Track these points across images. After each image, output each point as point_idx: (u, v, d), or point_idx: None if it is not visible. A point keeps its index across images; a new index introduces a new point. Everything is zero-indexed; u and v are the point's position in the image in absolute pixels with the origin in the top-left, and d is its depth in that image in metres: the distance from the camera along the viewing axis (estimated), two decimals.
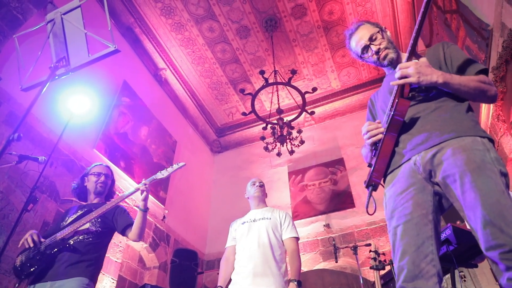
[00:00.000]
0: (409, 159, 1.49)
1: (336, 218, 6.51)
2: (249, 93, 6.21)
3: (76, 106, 3.60)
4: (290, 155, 6.33)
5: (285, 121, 6.20)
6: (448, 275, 3.24)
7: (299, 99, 6.89)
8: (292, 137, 6.15)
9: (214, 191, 8.08)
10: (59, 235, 2.24)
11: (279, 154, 6.32)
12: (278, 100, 6.61)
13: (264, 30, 6.55)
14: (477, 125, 1.46)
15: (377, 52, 1.76)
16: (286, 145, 6.19)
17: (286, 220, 2.90)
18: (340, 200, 6.70)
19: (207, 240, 7.24)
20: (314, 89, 5.94)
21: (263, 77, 5.83)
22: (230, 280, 2.74)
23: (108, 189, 2.66)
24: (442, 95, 1.54)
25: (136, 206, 2.41)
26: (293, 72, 5.71)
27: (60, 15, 1.84)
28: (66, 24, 1.84)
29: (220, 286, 2.71)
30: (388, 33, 1.85)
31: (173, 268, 5.24)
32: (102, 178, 2.62)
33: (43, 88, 1.68)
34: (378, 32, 1.80)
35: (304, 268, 6.20)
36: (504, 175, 1.31)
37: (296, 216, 6.85)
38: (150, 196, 5.69)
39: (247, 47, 6.90)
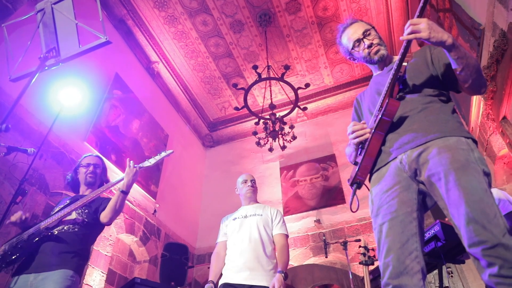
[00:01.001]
0: (395, 157, 1.53)
1: (326, 214, 6.55)
2: (242, 88, 6.19)
3: (67, 98, 3.56)
4: (282, 150, 6.34)
5: (277, 116, 6.20)
6: (436, 271, 3.29)
7: (292, 94, 6.89)
8: (284, 133, 6.16)
9: (206, 186, 8.08)
10: (43, 224, 2.20)
11: (271, 150, 6.32)
12: (271, 96, 6.61)
13: (258, 25, 6.52)
14: (462, 126, 1.50)
15: (369, 46, 1.78)
16: (278, 141, 6.20)
17: (277, 217, 2.95)
18: (331, 196, 6.74)
19: (198, 235, 7.24)
20: (307, 85, 5.94)
21: (256, 72, 5.82)
22: (221, 275, 2.76)
23: (99, 179, 2.61)
24: (428, 96, 1.57)
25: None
26: (286, 67, 5.70)
27: (51, 5, 1.83)
28: (56, 14, 1.81)
29: (211, 281, 2.73)
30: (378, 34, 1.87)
31: (163, 262, 5.24)
32: (91, 168, 2.58)
33: (32, 78, 1.66)
34: (372, 29, 1.83)
35: (294, 263, 6.24)
36: (487, 174, 1.36)
37: (287, 211, 6.88)
38: (141, 189, 5.71)
39: (241, 41, 6.87)
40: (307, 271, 5.95)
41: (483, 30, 3.74)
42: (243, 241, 2.75)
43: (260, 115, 6.46)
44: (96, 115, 5.24)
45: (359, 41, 1.81)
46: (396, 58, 1.80)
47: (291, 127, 6.19)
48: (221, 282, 2.65)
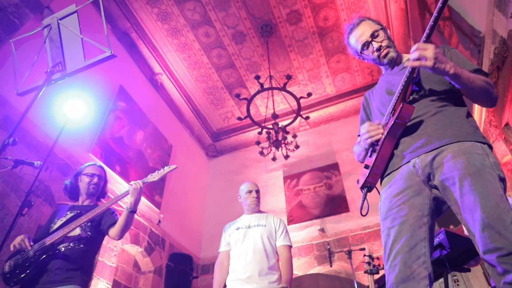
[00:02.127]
0: (408, 161, 1.50)
1: (330, 223, 6.53)
2: (245, 98, 6.24)
3: (72, 110, 3.60)
4: (285, 159, 6.35)
5: (280, 126, 6.24)
6: (441, 280, 3.26)
7: (294, 104, 6.94)
8: (287, 142, 6.18)
9: (209, 196, 8.08)
10: (48, 240, 2.19)
11: (274, 159, 6.34)
12: (274, 105, 6.65)
13: (259, 35, 6.60)
14: (477, 131, 1.47)
15: (378, 49, 1.74)
16: (281, 150, 6.22)
17: (280, 227, 2.92)
18: (335, 204, 6.72)
19: (202, 245, 7.23)
20: (309, 94, 5.98)
21: (258, 82, 5.87)
22: (225, 285, 2.76)
23: (100, 191, 2.62)
24: (442, 100, 1.55)
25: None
26: (288, 77, 5.75)
27: (57, 20, 1.85)
28: (62, 29, 1.85)
29: None
30: (389, 32, 1.83)
31: (168, 272, 5.23)
32: (95, 179, 2.57)
33: (39, 92, 1.69)
34: (381, 29, 1.77)
35: (298, 273, 6.20)
36: (502, 180, 1.33)
37: (291, 220, 6.86)
38: (145, 200, 5.73)
39: (243, 52, 6.95)
40: (312, 280, 5.91)
41: (483, 37, 3.77)
42: (248, 253, 2.73)
43: (263, 124, 6.49)
44: (101, 127, 5.29)
45: (367, 43, 1.76)
46: (407, 56, 1.79)
47: (294, 136, 6.22)
48: None
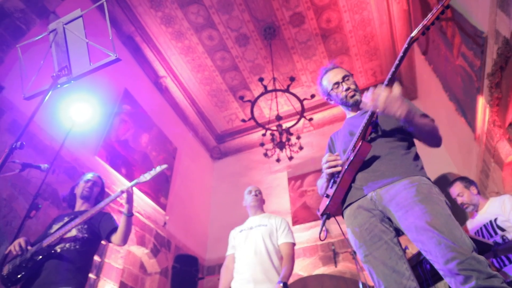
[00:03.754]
0: (366, 195, 1.68)
1: (335, 223, 6.50)
2: (249, 100, 6.27)
3: (78, 114, 3.64)
4: (289, 161, 6.37)
5: (284, 127, 6.26)
6: (444, 281, 3.26)
7: (298, 105, 6.95)
8: (291, 143, 6.20)
9: (214, 197, 8.11)
10: (45, 242, 2.24)
11: (278, 160, 6.36)
12: (277, 107, 6.68)
13: (263, 38, 6.63)
14: (422, 170, 1.70)
15: (347, 89, 1.99)
16: (285, 151, 6.24)
17: (282, 226, 2.96)
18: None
19: (208, 246, 7.25)
20: (313, 96, 6.00)
21: (262, 84, 5.90)
22: None
23: (95, 197, 2.69)
24: (395, 141, 1.77)
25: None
26: (292, 79, 5.78)
27: (62, 25, 1.87)
28: (68, 33, 1.86)
29: None
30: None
31: (174, 274, 5.27)
32: (89, 184, 2.68)
33: (45, 96, 1.70)
34: (350, 76, 2.05)
35: (303, 273, 6.21)
36: (448, 205, 1.54)
37: (295, 221, 6.87)
38: (151, 202, 5.77)
39: (246, 54, 6.98)
40: (317, 281, 5.91)
41: (486, 37, 3.77)
42: (249, 254, 2.77)
43: (267, 126, 6.52)
44: (106, 130, 5.34)
45: (337, 84, 2.01)
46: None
47: (298, 137, 6.23)
48: None
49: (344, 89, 2.00)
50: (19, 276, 2.13)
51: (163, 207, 6.15)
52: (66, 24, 1.89)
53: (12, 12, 3.88)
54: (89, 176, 2.76)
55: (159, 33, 6.52)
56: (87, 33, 1.84)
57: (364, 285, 4.66)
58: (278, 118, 6.22)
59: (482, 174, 4.64)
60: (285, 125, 6.79)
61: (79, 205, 2.62)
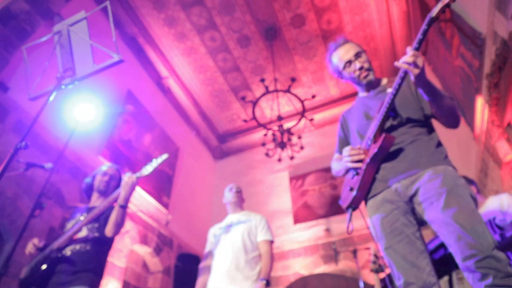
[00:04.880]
0: (391, 186, 1.64)
1: (336, 222, 6.56)
2: (250, 101, 6.32)
3: (82, 114, 3.68)
4: (291, 160, 6.42)
5: (285, 127, 6.30)
6: (446, 278, 3.29)
7: (299, 105, 7.00)
8: (292, 143, 6.24)
9: (216, 196, 8.14)
10: (56, 244, 2.23)
11: (279, 160, 6.41)
12: (279, 107, 6.72)
13: (264, 39, 6.68)
14: (447, 158, 1.64)
15: (360, 69, 1.85)
16: (287, 151, 6.28)
17: (261, 223, 2.99)
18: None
19: None
20: (314, 96, 6.05)
21: (263, 84, 5.95)
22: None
23: (111, 191, 2.58)
24: (416, 127, 1.70)
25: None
26: (293, 80, 5.82)
27: (67, 27, 1.90)
28: (72, 35, 1.89)
29: None
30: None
31: (177, 272, 5.32)
32: (106, 177, 2.60)
33: (49, 97, 1.73)
34: (363, 52, 1.90)
35: (305, 272, 6.24)
36: (473, 198, 1.49)
37: (297, 220, 6.91)
38: (153, 201, 5.83)
39: (248, 55, 7.03)
40: (318, 280, 5.95)
41: (484, 38, 3.80)
42: (226, 250, 2.81)
43: (268, 126, 6.56)
44: (110, 130, 5.41)
45: (350, 62, 1.87)
46: (385, 81, 1.94)
47: (299, 137, 6.28)
48: None
49: (357, 67, 1.85)
50: (32, 278, 2.15)
51: (166, 206, 6.20)
52: (70, 26, 1.91)
53: (17, 14, 3.94)
54: (105, 168, 2.67)
55: (162, 34, 6.58)
56: (91, 35, 1.87)
57: (365, 283, 4.69)
58: (280, 118, 6.27)
59: (481, 173, 4.67)
60: (286, 125, 6.84)
61: (95, 199, 2.57)
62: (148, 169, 2.38)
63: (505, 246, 2.79)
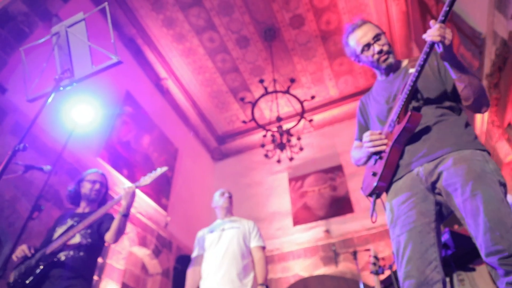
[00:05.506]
0: (412, 170, 1.54)
1: (335, 224, 6.54)
2: (249, 102, 6.31)
3: (80, 116, 3.66)
4: (290, 161, 6.40)
5: (284, 128, 6.29)
6: (447, 279, 3.28)
7: (298, 106, 6.99)
8: (292, 144, 6.23)
9: None
10: (48, 249, 2.22)
11: (279, 161, 6.39)
12: (278, 108, 6.72)
13: (263, 40, 6.67)
14: (476, 139, 1.51)
15: (379, 52, 1.74)
16: (286, 152, 6.27)
17: (254, 229, 3.03)
18: (340, 205, 6.74)
19: None
20: (313, 97, 6.04)
21: (262, 85, 5.94)
22: None
23: (102, 197, 2.63)
24: (441, 108, 1.59)
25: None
26: (292, 80, 5.81)
27: (65, 28, 1.87)
28: (70, 36, 1.86)
29: None
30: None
31: (176, 274, 5.29)
32: (97, 186, 2.59)
33: (48, 99, 1.71)
34: (382, 34, 1.79)
35: (304, 274, 6.23)
36: (503, 185, 1.37)
37: (296, 222, 6.89)
38: (152, 203, 5.80)
39: (247, 56, 7.02)
40: (318, 281, 5.93)
41: (484, 38, 3.80)
42: (221, 255, 2.80)
43: (267, 127, 6.55)
44: (108, 132, 5.38)
45: (368, 45, 1.76)
46: (405, 63, 1.83)
47: (298, 138, 6.27)
48: None
49: (376, 51, 1.74)
50: (24, 285, 2.13)
51: (165, 208, 6.18)
52: (68, 27, 1.89)
53: (15, 15, 3.93)
54: (93, 175, 2.65)
55: (160, 35, 6.56)
56: (89, 36, 1.84)
57: (365, 285, 4.68)
58: (279, 119, 6.26)
59: None
60: (286, 126, 6.83)
61: (84, 206, 2.57)
62: (146, 180, 2.42)
63: None
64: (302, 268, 6.29)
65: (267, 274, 2.84)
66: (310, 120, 6.55)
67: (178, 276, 5.75)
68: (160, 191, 6.18)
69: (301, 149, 6.28)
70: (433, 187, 1.49)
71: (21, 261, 2.25)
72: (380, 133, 1.67)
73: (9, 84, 4.00)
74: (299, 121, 6.55)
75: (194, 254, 3.00)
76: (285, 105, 7.78)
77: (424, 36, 1.44)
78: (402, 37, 6.43)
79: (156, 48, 6.73)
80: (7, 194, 3.67)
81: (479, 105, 1.56)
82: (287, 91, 6.06)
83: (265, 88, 5.96)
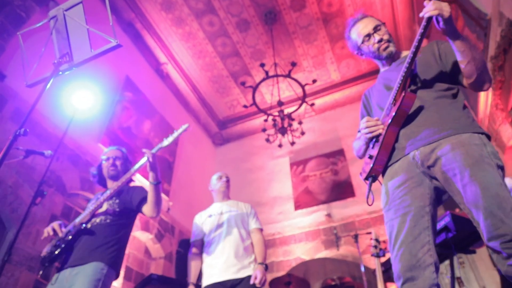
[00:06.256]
0: (408, 153, 1.55)
1: (337, 208, 6.58)
2: (250, 86, 6.26)
3: (80, 101, 3.65)
4: (291, 146, 6.39)
5: (285, 112, 6.26)
6: (447, 262, 3.31)
7: (299, 91, 6.94)
8: (293, 129, 6.21)
9: None
10: (78, 220, 2.29)
11: (280, 146, 6.38)
12: (279, 92, 6.66)
13: (263, 23, 6.57)
14: (474, 122, 1.51)
15: (379, 41, 1.79)
16: (287, 137, 6.25)
17: (252, 212, 3.09)
18: (341, 190, 6.77)
19: None
20: (314, 81, 5.99)
21: (263, 69, 5.88)
22: (200, 272, 2.84)
23: (122, 170, 2.60)
24: (439, 92, 1.59)
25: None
26: (293, 64, 5.75)
27: (62, 12, 1.83)
28: (68, 20, 1.82)
29: (192, 283, 2.77)
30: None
31: (178, 258, 5.35)
32: (111, 161, 2.61)
33: (47, 84, 1.68)
34: (382, 25, 1.85)
35: (306, 257, 6.29)
36: (501, 168, 1.39)
37: (298, 206, 6.93)
38: None
39: (247, 40, 6.93)
40: (320, 264, 6.01)
41: (489, 20, 3.73)
42: (223, 238, 2.83)
43: (268, 112, 6.52)
44: (109, 117, 5.36)
45: (369, 35, 1.82)
46: (406, 53, 1.85)
47: (300, 123, 6.24)
48: (207, 282, 2.71)
49: (376, 40, 1.79)
50: (53, 255, 2.20)
51: (167, 193, 6.21)
52: (66, 10, 1.86)
53: (11, 0, 3.86)
54: (107, 154, 2.67)
55: (159, 19, 6.46)
56: (87, 20, 1.82)
57: (366, 268, 4.73)
58: (280, 103, 6.22)
59: None
60: (287, 110, 6.80)
61: (110, 184, 2.58)
62: (169, 140, 2.41)
63: None
64: (303, 251, 6.35)
65: (266, 254, 2.89)
66: (312, 104, 6.51)
67: (180, 260, 5.82)
68: (162, 176, 6.19)
69: (302, 133, 6.26)
70: (428, 171, 1.49)
71: (52, 237, 2.32)
72: (378, 119, 1.69)
73: (8, 71, 3.97)
74: (300, 105, 6.51)
75: (193, 239, 3.00)
76: (286, 89, 7.73)
77: (421, 13, 1.45)
78: (405, 19, 6.32)
79: (156, 33, 6.64)
80: (9, 180, 3.69)
81: (482, 81, 1.54)
82: (288, 75, 6.00)
83: (266, 72, 5.90)
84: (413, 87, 1.63)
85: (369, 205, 1.66)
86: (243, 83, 6.16)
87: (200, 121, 8.33)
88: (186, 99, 7.82)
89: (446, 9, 1.40)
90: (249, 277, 2.66)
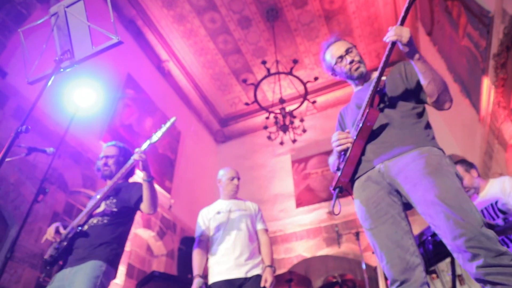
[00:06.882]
0: (374, 167, 1.66)
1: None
2: (252, 83, 6.25)
3: (82, 99, 3.65)
4: (293, 143, 6.39)
5: (287, 110, 6.25)
6: (449, 259, 3.30)
7: (301, 88, 6.91)
8: (295, 126, 6.20)
9: None
10: (75, 222, 2.29)
11: (281, 143, 6.38)
12: (281, 90, 6.65)
13: (265, 20, 6.55)
14: (434, 140, 1.65)
15: (351, 62, 1.91)
16: (289, 134, 6.24)
17: (259, 213, 3.10)
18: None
19: None
20: (316, 79, 5.97)
21: (265, 67, 5.87)
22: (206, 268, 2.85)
23: (115, 168, 2.56)
24: (404, 111, 1.71)
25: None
26: (295, 62, 5.74)
27: (64, 8, 1.83)
28: (69, 17, 1.82)
29: (198, 275, 2.76)
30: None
31: (180, 255, 5.36)
32: (103, 160, 2.59)
33: (48, 81, 1.68)
34: (353, 47, 1.97)
35: (307, 255, 6.30)
36: (459, 177, 1.50)
37: (299, 203, 6.93)
38: (156, 185, 5.81)
39: (249, 37, 6.91)
40: (321, 262, 6.01)
41: (492, 17, 3.70)
42: (233, 237, 2.83)
43: (270, 109, 6.51)
44: (111, 115, 5.37)
45: (341, 57, 1.94)
46: (375, 75, 1.94)
47: (301, 120, 6.23)
48: (215, 279, 2.71)
49: (348, 62, 1.92)
50: (54, 258, 2.24)
51: (168, 190, 6.22)
52: (67, 7, 1.85)
53: None
54: (103, 152, 2.66)
55: (160, 16, 6.45)
56: (88, 17, 1.82)
57: (367, 265, 4.73)
58: (282, 101, 6.21)
59: (486, 155, 4.64)
60: (289, 108, 6.77)
61: (108, 181, 2.57)
62: (158, 135, 2.41)
63: (507, 229, 2.77)
64: (305, 249, 6.36)
65: (273, 255, 2.92)
66: (313, 102, 6.50)
67: (182, 257, 5.84)
68: (164, 173, 6.21)
69: (304, 131, 6.25)
70: (393, 183, 1.60)
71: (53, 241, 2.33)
72: (348, 132, 1.82)
73: (9, 68, 3.98)
74: (302, 103, 6.50)
75: (199, 234, 2.97)
76: (288, 87, 7.72)
77: (384, 38, 1.63)
78: (408, 17, 6.28)
79: (157, 30, 6.63)
80: (11, 177, 3.70)
81: (443, 101, 1.66)
82: (290, 73, 5.99)
83: (268, 70, 5.89)
84: (381, 106, 1.75)
85: (335, 215, 1.79)
86: (244, 81, 6.15)
87: (201, 118, 8.32)
88: (187, 97, 7.81)
89: (405, 35, 1.54)
90: (257, 276, 2.69)
